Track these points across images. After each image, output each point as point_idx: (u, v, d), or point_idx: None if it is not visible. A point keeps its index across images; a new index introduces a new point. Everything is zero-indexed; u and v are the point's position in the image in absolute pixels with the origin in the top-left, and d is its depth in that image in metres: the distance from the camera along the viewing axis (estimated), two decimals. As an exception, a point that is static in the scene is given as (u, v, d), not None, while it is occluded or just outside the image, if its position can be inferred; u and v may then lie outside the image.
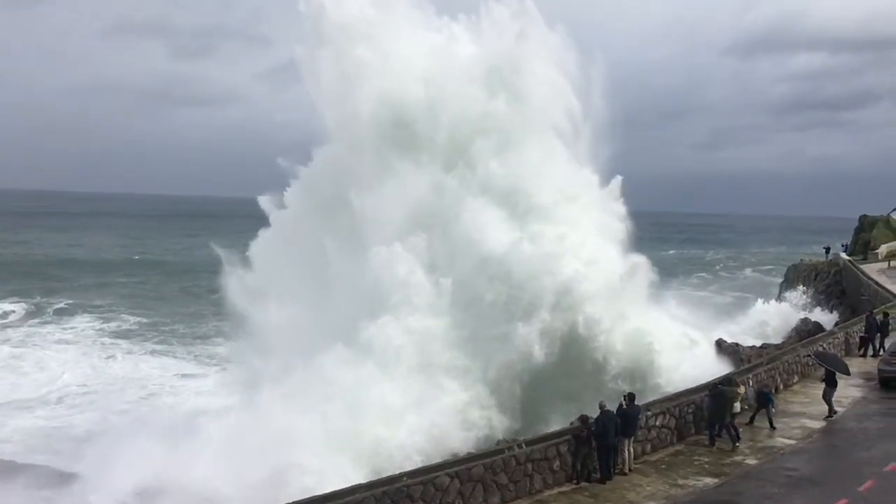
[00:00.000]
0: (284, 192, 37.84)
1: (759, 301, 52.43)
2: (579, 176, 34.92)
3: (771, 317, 48.02)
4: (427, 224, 31.93)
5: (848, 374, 23.89)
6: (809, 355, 26.86)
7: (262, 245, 37.32)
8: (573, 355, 29.35)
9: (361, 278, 30.74)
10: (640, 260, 32.63)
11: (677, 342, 30.83)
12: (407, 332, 28.47)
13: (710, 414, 20.44)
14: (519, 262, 29.90)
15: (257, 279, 35.59)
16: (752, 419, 21.83)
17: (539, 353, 28.42)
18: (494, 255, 30.26)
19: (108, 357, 49.04)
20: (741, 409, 21.06)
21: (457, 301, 29.92)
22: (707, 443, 20.21)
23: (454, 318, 29.64)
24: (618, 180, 35.51)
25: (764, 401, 21.63)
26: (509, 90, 34.54)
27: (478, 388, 28.11)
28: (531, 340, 28.48)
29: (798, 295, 51.90)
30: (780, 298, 55.28)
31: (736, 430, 20.17)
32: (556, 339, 29.01)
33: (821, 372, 24.66)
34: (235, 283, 36.13)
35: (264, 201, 38.31)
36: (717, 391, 20.37)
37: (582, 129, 35.97)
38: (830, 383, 22.58)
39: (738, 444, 19.82)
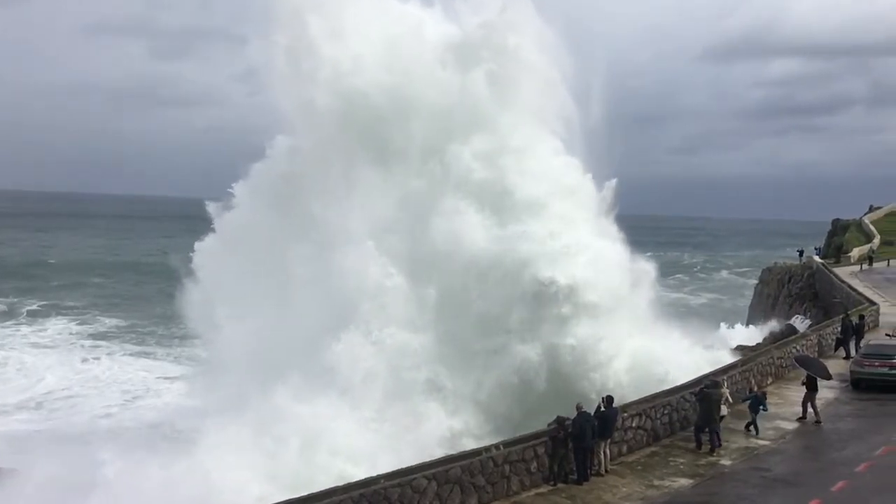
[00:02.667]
0: (230, 191, 32.82)
1: (723, 325, 49.41)
2: (573, 168, 31.16)
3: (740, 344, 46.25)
4: (401, 226, 28.36)
5: (829, 377, 23.76)
6: (783, 357, 27.14)
7: (206, 253, 32.77)
8: (561, 385, 25.50)
9: (327, 284, 26.74)
10: (648, 266, 29.31)
11: (699, 370, 25.31)
12: (379, 350, 24.92)
13: (700, 418, 20.12)
14: (515, 262, 26.84)
15: (204, 292, 31.66)
16: (751, 426, 21.45)
17: (542, 372, 25.17)
18: (485, 256, 27.03)
19: (91, 359, 48.77)
20: (727, 411, 20.83)
21: (440, 312, 26.47)
22: (694, 446, 19.84)
23: (437, 332, 26.23)
24: (612, 183, 31.86)
25: (757, 405, 21.40)
26: (490, 63, 30.16)
27: (468, 411, 25.01)
28: (532, 357, 25.44)
29: (769, 327, 48.03)
30: (747, 323, 53.70)
31: (719, 437, 19.85)
32: (556, 357, 25.65)
33: (794, 373, 24.85)
34: (186, 298, 32.69)
35: (214, 208, 33.24)
36: (704, 394, 20.00)
37: (575, 127, 32.38)
38: (811, 387, 22.42)
39: (715, 453, 19.54)
